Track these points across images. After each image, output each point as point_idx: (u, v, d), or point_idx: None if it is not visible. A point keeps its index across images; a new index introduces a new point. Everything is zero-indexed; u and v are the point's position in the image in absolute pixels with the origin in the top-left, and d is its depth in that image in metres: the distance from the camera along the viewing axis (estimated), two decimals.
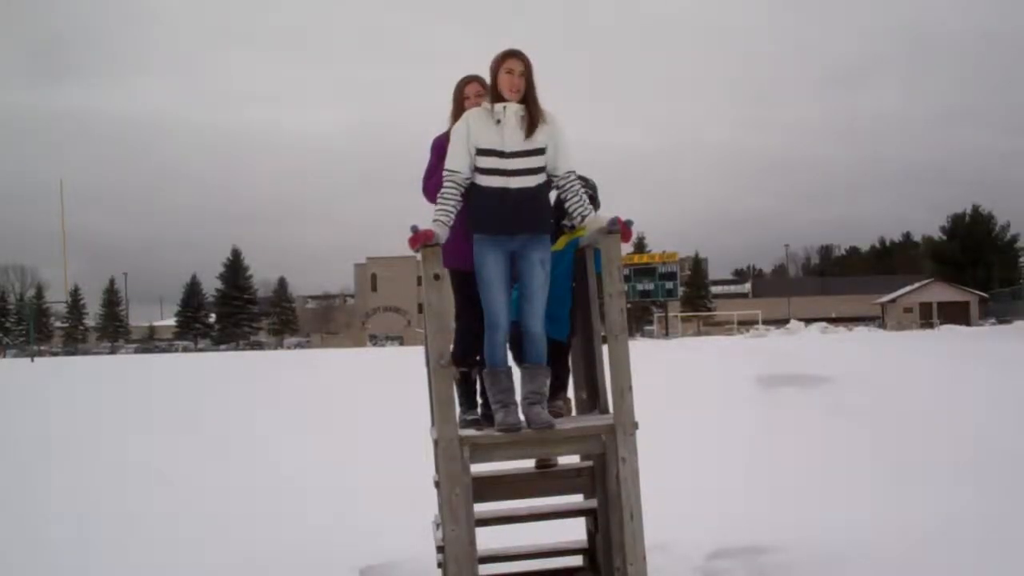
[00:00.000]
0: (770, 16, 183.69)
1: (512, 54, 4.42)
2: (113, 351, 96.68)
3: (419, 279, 5.60)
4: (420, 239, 4.18)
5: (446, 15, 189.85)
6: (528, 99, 4.42)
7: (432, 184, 4.71)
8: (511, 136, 4.38)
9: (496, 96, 4.45)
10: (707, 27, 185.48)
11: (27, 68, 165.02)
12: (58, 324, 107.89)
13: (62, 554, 6.91)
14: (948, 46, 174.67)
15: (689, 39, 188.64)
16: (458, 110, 4.78)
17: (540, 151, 4.40)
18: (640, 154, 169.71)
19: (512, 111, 4.38)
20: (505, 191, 4.37)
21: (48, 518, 8.23)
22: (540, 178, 4.44)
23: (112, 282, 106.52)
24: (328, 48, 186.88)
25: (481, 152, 4.38)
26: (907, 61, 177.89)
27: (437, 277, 4.29)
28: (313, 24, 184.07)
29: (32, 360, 61.46)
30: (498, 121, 4.38)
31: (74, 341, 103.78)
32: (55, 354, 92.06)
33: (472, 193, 4.42)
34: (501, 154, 4.37)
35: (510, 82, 4.39)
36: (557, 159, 4.45)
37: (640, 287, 72.91)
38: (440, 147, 4.74)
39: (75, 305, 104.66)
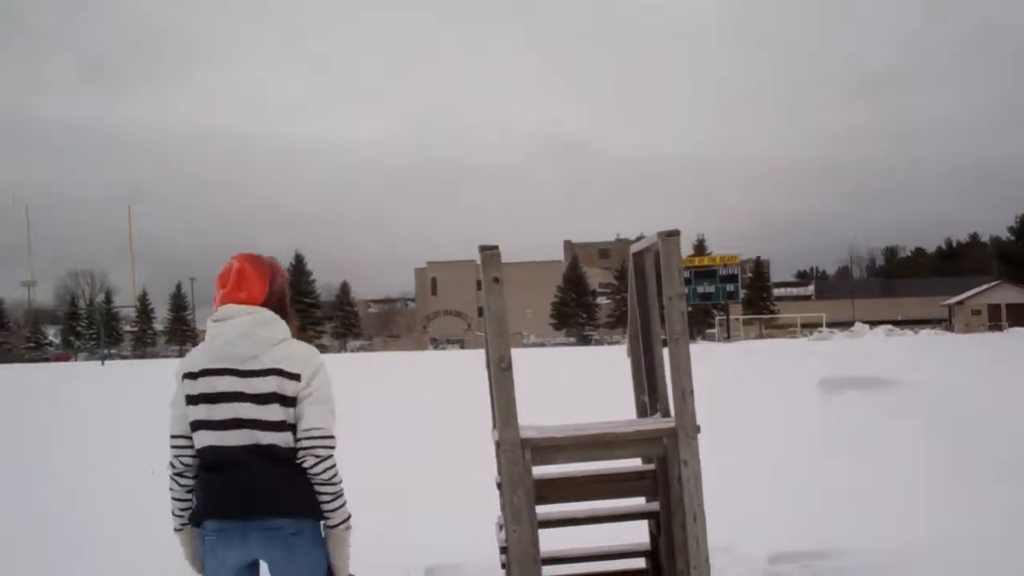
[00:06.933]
0: (818, 21, 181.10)
1: None
2: (181, 354, 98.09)
3: (479, 283, 5.65)
4: None
5: (497, 25, 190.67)
6: None
7: None
8: None
9: None
10: (765, 34, 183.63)
11: (98, 80, 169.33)
12: (127, 328, 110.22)
13: (131, 550, 7.10)
14: (1015, 45, 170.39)
15: (751, 47, 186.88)
16: None
17: None
18: (703, 159, 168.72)
19: None
20: None
21: (124, 514, 8.47)
22: None
23: (179, 287, 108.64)
24: (381, 61, 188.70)
25: None
26: (974, 60, 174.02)
27: (496, 280, 4.31)
28: (358, 38, 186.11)
29: (102, 363, 62.90)
30: None
31: (143, 344, 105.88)
32: (124, 357, 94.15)
33: None
34: None
35: None
36: None
37: (701, 290, 72.31)
38: None
39: (143, 309, 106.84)
